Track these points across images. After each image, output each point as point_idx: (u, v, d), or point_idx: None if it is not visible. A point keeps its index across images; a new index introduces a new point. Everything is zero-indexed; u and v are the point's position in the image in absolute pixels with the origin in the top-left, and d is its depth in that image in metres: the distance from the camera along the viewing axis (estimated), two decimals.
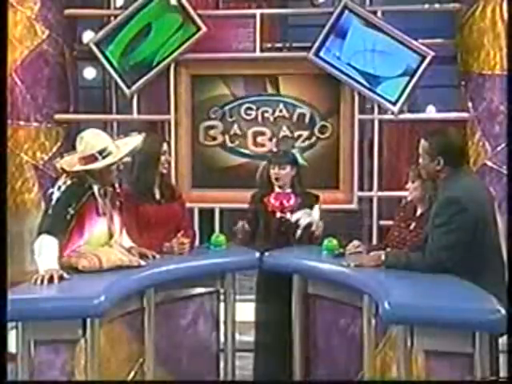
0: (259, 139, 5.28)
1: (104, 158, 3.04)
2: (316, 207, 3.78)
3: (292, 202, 3.75)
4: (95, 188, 3.04)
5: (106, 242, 3.07)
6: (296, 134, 5.27)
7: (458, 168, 2.99)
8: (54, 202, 2.94)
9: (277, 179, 3.77)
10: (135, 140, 3.25)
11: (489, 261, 2.89)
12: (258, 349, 3.80)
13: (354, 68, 5.08)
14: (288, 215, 3.72)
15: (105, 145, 3.06)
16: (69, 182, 2.99)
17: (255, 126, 5.29)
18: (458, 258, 2.80)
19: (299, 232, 3.68)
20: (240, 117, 5.29)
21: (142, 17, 5.19)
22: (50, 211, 2.94)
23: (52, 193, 2.99)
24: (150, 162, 3.55)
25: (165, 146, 3.63)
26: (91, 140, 3.07)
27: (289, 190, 3.79)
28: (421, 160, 3.06)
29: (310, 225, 3.69)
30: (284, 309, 3.54)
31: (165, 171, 3.63)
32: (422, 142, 3.05)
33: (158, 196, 3.61)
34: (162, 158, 3.58)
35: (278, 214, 3.72)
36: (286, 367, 3.55)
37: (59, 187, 2.98)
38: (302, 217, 3.68)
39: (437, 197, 3.03)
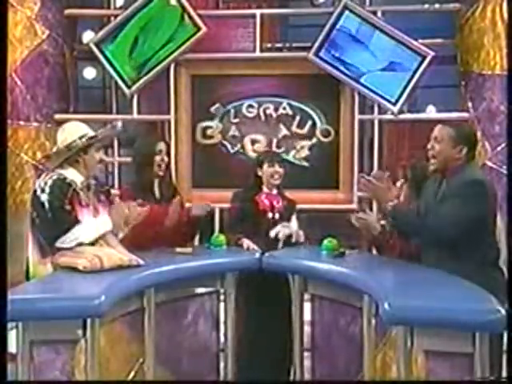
0: (255, 146, 5.28)
1: None
2: (293, 217, 3.84)
3: (280, 203, 3.82)
4: (77, 182, 3.04)
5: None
6: (296, 134, 5.27)
7: (472, 160, 3.11)
8: (47, 206, 2.94)
9: (273, 177, 3.79)
10: (114, 125, 3.28)
11: (484, 252, 2.96)
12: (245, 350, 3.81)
13: (353, 68, 5.08)
14: (277, 216, 3.77)
15: (85, 131, 3.11)
16: (50, 182, 2.98)
17: (251, 133, 5.28)
18: (461, 234, 2.87)
19: (280, 245, 3.71)
20: (241, 116, 5.29)
21: (142, 17, 5.19)
22: (49, 216, 2.93)
23: (38, 197, 2.97)
24: (145, 161, 3.57)
25: (160, 146, 3.63)
26: (72, 129, 3.12)
27: (275, 192, 3.83)
28: (438, 145, 3.06)
29: (290, 236, 3.73)
30: (272, 310, 3.61)
31: (163, 170, 3.63)
32: (447, 128, 3.07)
33: (158, 195, 3.62)
34: (157, 157, 3.58)
35: (270, 214, 3.76)
36: (266, 368, 3.63)
37: (43, 189, 2.97)
38: (281, 230, 3.71)
39: (450, 180, 3.03)
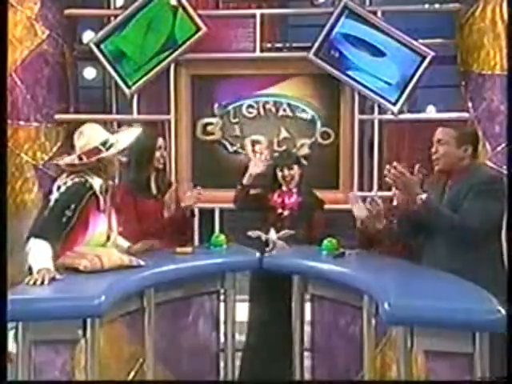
0: (256, 148, 5.29)
1: (107, 149, 3.03)
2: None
3: (293, 199, 3.84)
4: (97, 185, 3.01)
5: (103, 244, 3.06)
6: (296, 134, 5.28)
7: (476, 159, 3.18)
8: (51, 204, 2.90)
9: (286, 180, 3.84)
10: (135, 131, 3.25)
11: (496, 246, 3.06)
12: (248, 350, 3.83)
13: (353, 68, 5.08)
14: (286, 212, 3.81)
15: (106, 137, 3.07)
16: (69, 183, 2.95)
17: (251, 134, 5.29)
18: (491, 229, 2.97)
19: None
20: (241, 116, 5.30)
21: (142, 17, 5.19)
22: (45, 213, 2.89)
23: (50, 192, 2.95)
24: (144, 157, 3.58)
25: (159, 142, 3.65)
26: (92, 133, 3.06)
27: (295, 190, 3.85)
28: (442, 147, 3.09)
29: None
30: (275, 309, 3.65)
31: (161, 166, 3.65)
32: (449, 130, 3.11)
33: (154, 191, 3.64)
34: (157, 153, 3.60)
35: (279, 210, 3.78)
36: (275, 368, 3.63)
37: (58, 187, 2.94)
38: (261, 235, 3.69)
39: (460, 180, 3.06)
